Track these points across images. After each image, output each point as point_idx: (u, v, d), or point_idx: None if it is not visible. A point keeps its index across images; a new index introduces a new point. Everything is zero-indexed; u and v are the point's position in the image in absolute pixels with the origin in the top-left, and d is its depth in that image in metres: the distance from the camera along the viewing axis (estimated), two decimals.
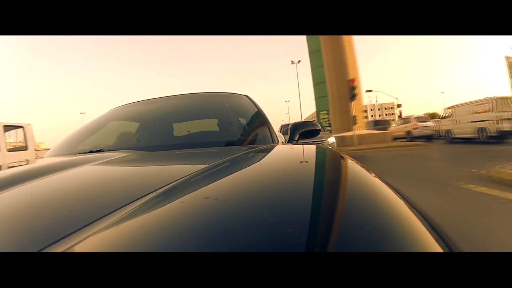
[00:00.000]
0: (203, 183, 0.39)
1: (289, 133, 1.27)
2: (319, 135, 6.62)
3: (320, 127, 1.30)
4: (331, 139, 6.88)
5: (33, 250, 0.23)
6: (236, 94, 1.41)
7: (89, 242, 0.23)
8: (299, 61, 27.19)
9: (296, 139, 1.25)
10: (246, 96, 1.39)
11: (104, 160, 0.63)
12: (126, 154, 0.74)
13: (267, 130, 1.06)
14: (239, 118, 1.25)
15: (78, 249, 0.23)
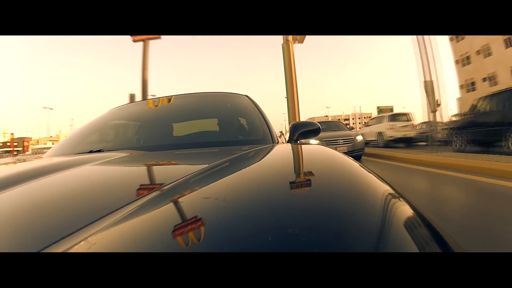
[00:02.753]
0: (203, 183, 0.39)
1: (289, 133, 1.26)
2: (347, 133, 5.92)
3: (320, 127, 1.29)
4: (359, 137, 6.52)
5: (34, 250, 0.23)
6: (236, 94, 1.41)
7: (89, 242, 0.23)
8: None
9: (295, 138, 1.25)
10: (246, 96, 1.39)
11: (104, 160, 0.63)
12: (126, 154, 0.74)
13: (267, 130, 1.06)
14: (239, 118, 1.25)
15: (78, 249, 0.23)
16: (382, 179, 0.39)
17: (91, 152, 0.89)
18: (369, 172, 0.41)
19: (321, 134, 6.51)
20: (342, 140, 6.27)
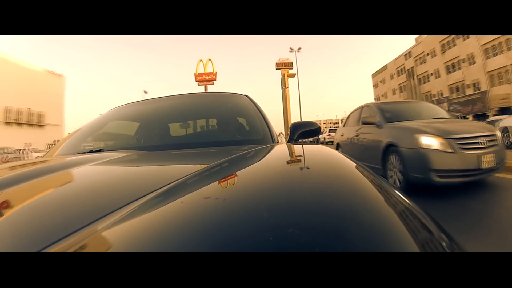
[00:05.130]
0: (203, 183, 0.38)
1: (288, 133, 1.26)
2: (483, 125, 3.28)
3: (320, 126, 1.29)
4: (499, 133, 3.05)
5: (33, 250, 0.23)
6: (236, 94, 1.41)
7: (89, 242, 0.23)
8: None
9: (295, 138, 1.24)
10: (246, 96, 1.39)
11: (104, 160, 0.63)
12: (126, 154, 0.74)
13: (267, 130, 1.06)
14: (239, 118, 1.25)
15: (78, 249, 0.23)
16: (382, 178, 0.39)
17: (91, 152, 0.89)
18: (369, 172, 0.41)
19: (439, 124, 3.11)
20: (485, 139, 2.94)
